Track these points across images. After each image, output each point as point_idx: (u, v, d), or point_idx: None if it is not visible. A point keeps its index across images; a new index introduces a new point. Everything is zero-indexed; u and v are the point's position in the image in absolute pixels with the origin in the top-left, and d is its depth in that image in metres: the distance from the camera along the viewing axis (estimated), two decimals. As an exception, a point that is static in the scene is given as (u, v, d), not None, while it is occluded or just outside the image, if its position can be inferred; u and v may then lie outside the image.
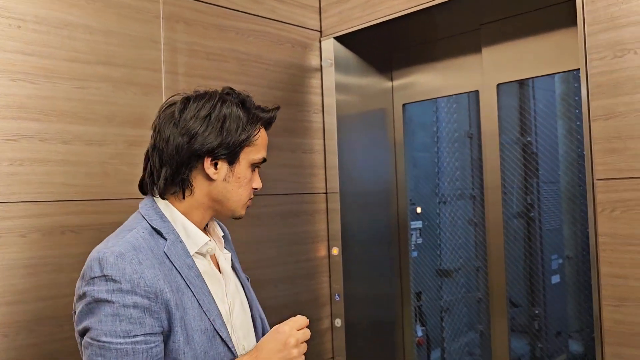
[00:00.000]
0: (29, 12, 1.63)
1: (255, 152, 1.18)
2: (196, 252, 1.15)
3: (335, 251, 2.37)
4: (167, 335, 1.05)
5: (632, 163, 1.58)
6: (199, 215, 1.17)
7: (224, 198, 1.17)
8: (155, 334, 1.02)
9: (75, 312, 1.08)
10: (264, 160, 1.21)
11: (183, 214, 1.15)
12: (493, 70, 2.25)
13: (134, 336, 1.00)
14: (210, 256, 1.20)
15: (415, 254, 2.91)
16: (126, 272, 1.01)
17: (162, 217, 1.13)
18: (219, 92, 1.19)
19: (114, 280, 1.00)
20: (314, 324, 2.32)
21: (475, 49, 2.32)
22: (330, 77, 2.39)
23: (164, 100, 1.89)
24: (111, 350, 0.99)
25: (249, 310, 1.26)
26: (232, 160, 1.15)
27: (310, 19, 2.41)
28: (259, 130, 1.18)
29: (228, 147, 1.13)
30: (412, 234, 2.81)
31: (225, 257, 1.24)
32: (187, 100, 1.16)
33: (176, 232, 1.13)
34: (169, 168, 1.12)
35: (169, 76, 1.93)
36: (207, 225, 1.24)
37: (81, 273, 1.07)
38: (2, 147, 1.56)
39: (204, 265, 1.16)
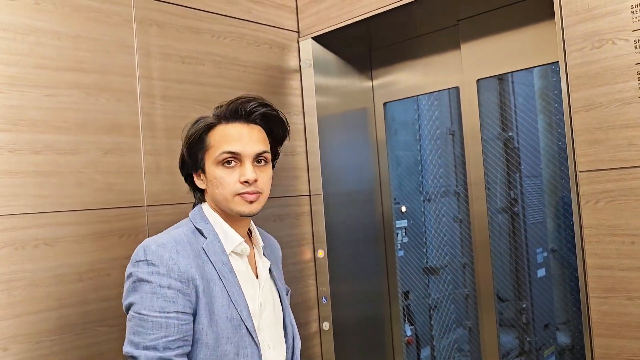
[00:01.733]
0: (-6, 19, 1.57)
1: (214, 151, 1.26)
2: (232, 252, 1.30)
3: (320, 254, 2.34)
4: (193, 316, 1.19)
5: (614, 153, 1.58)
6: (226, 217, 1.31)
7: (216, 200, 1.29)
8: (186, 313, 1.17)
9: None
10: (232, 153, 1.24)
11: (221, 217, 1.31)
12: (472, 66, 2.24)
13: (168, 312, 1.15)
14: (250, 261, 1.35)
15: (401, 253, 2.89)
16: (164, 259, 1.18)
17: (205, 219, 1.30)
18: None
19: (153, 265, 1.17)
20: (302, 329, 2.29)
21: (454, 45, 2.31)
22: (310, 77, 2.36)
23: (139, 106, 1.86)
24: (148, 322, 1.14)
25: (281, 317, 1.39)
26: (200, 168, 1.30)
27: (287, 20, 2.37)
28: (198, 130, 1.28)
29: (190, 159, 1.31)
30: (397, 233, 2.79)
31: (263, 264, 1.37)
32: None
33: (215, 232, 1.29)
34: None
35: (144, 81, 1.88)
36: (250, 233, 1.40)
37: (131, 258, 1.23)
38: (-30, 159, 1.51)
39: (240, 264, 1.31)
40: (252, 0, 2.23)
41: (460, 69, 2.29)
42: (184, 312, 1.17)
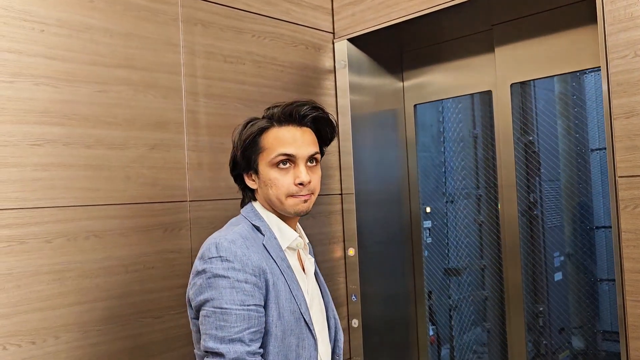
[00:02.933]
0: (51, 16, 1.61)
1: (269, 153, 1.29)
2: (287, 247, 1.33)
3: (351, 252, 2.37)
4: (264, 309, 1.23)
5: (655, 160, 1.61)
6: (280, 215, 1.34)
7: (269, 200, 1.32)
8: (262, 306, 1.21)
9: (189, 292, 1.26)
10: (287, 155, 1.28)
11: (275, 215, 1.34)
12: (506, 70, 2.27)
13: (248, 305, 1.18)
14: (298, 257, 1.38)
15: (425, 253, 2.93)
16: (237, 255, 1.21)
17: (259, 216, 1.33)
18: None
19: (228, 260, 1.20)
20: (331, 325, 2.33)
21: (488, 49, 2.34)
22: (344, 78, 2.39)
23: (184, 102, 1.90)
24: (232, 315, 1.17)
25: (324, 311, 1.42)
26: (253, 169, 1.33)
27: (324, 21, 2.41)
28: (252, 134, 1.30)
29: (244, 159, 1.32)
30: (423, 233, 2.82)
31: (310, 261, 1.42)
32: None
33: (271, 229, 1.32)
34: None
35: (188, 79, 1.92)
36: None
37: (199, 255, 1.25)
38: (27, 152, 1.55)
39: (292, 261, 1.34)
40: (290, 1, 2.27)
41: (494, 73, 2.32)
42: (260, 305, 1.21)
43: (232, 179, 1.40)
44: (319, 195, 1.35)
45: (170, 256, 1.83)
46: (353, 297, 2.38)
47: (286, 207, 1.29)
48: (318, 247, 2.32)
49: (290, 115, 1.30)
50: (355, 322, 2.37)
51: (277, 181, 1.28)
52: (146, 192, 1.79)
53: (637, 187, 1.64)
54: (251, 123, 1.33)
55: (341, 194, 2.42)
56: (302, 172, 1.28)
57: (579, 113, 3.27)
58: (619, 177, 1.67)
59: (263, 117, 1.34)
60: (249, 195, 1.39)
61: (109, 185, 1.71)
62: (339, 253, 2.40)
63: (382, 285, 2.50)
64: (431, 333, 2.91)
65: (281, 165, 1.28)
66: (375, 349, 2.42)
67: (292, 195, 1.28)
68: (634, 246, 1.65)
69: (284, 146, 1.28)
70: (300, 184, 1.28)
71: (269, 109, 1.34)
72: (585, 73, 3.20)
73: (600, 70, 1.72)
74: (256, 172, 1.31)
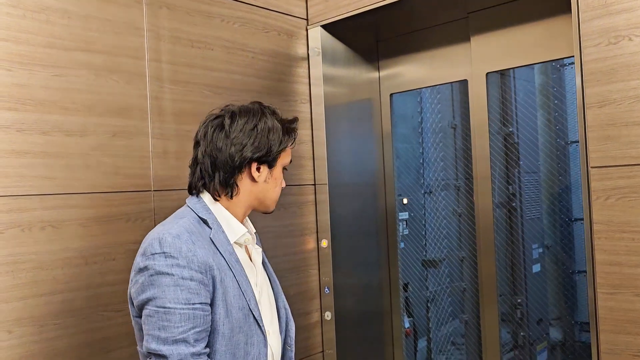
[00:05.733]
0: (3, -5, 1.53)
1: (286, 156, 1.38)
2: (234, 242, 1.31)
3: (324, 243, 2.33)
4: (210, 307, 1.20)
5: (627, 150, 1.58)
6: (239, 211, 1.34)
7: (263, 196, 1.36)
8: (208, 304, 1.18)
9: (131, 289, 1.22)
10: (290, 161, 1.42)
11: (226, 208, 1.32)
12: (482, 59, 2.23)
13: (193, 304, 1.15)
14: (245, 249, 1.37)
15: (401, 245, 2.90)
16: (182, 250, 1.17)
17: (207, 209, 1.30)
18: (258, 107, 1.36)
19: (172, 257, 1.16)
20: (303, 318, 2.29)
21: (464, 37, 2.30)
22: (318, 66, 2.34)
23: (148, 88, 1.84)
24: (176, 315, 1.13)
25: (274, 301, 1.41)
26: (272, 164, 1.35)
27: (297, 7, 2.35)
28: (293, 139, 1.38)
29: (272, 154, 1.32)
30: (398, 225, 2.79)
31: (257, 251, 1.40)
32: (234, 114, 1.33)
33: (218, 222, 1.30)
34: (222, 172, 1.30)
35: (153, 64, 1.85)
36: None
37: (141, 251, 1.21)
38: (-23, 138, 1.47)
39: (240, 254, 1.32)
40: (262, -15, 2.21)
41: (470, 62, 2.28)
42: (205, 303, 1.17)
43: None
44: (291, 185, 1.41)
45: (133, 247, 1.75)
46: (326, 289, 2.34)
47: (272, 204, 1.39)
48: (289, 239, 2.27)
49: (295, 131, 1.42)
50: (328, 315, 2.33)
51: (281, 183, 1.40)
52: (107, 181, 1.73)
53: (610, 178, 1.62)
54: (289, 120, 1.39)
55: (314, 185, 2.37)
56: (283, 179, 1.42)
57: (558, 105, 3.26)
58: (592, 167, 1.65)
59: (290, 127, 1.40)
60: (230, 192, 1.32)
61: (66, 173, 1.64)
62: (311, 245, 2.35)
63: (356, 277, 2.46)
64: (407, 325, 2.89)
65: (285, 170, 1.41)
66: (348, 342, 2.39)
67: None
68: (606, 238, 1.63)
69: (291, 155, 1.42)
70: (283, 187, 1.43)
71: (291, 121, 1.39)
72: (565, 65, 3.19)
73: (575, 59, 1.68)
74: (271, 166, 1.35)
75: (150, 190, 1.82)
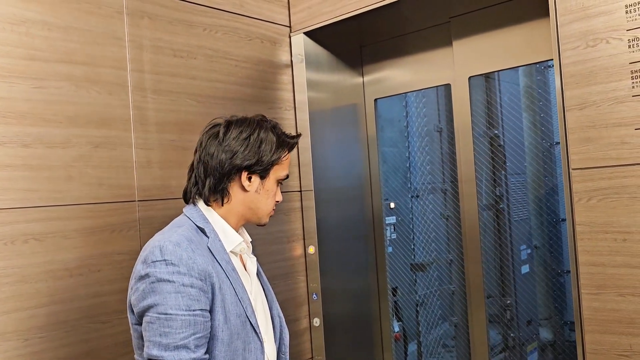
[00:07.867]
0: (-18, 8, 1.53)
1: (281, 170, 1.39)
2: (230, 251, 1.33)
3: (311, 250, 2.33)
4: (210, 313, 1.22)
5: (607, 152, 1.60)
6: (234, 221, 1.36)
7: (255, 207, 1.36)
8: (208, 310, 1.20)
9: (131, 297, 1.23)
10: (287, 176, 1.42)
11: (222, 217, 1.34)
12: (464, 63, 2.25)
13: (194, 310, 1.17)
14: (240, 259, 1.39)
15: (389, 249, 2.90)
16: (183, 258, 1.19)
17: (204, 218, 1.32)
18: (256, 118, 1.38)
19: (173, 264, 1.18)
20: (292, 325, 2.28)
21: (446, 42, 2.32)
22: (302, 73, 2.34)
23: (130, 99, 1.83)
24: (177, 321, 1.15)
25: (268, 310, 1.42)
26: (263, 175, 1.35)
27: (279, 14, 2.35)
28: (286, 152, 1.39)
29: (262, 164, 1.33)
30: (386, 229, 2.80)
31: (252, 261, 1.42)
32: (230, 123, 1.36)
33: (215, 231, 1.32)
34: (213, 178, 1.32)
35: (135, 74, 1.84)
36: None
37: (142, 259, 1.22)
38: (-43, 152, 1.46)
39: (235, 263, 1.34)
40: (244, -7, 2.21)
41: (452, 66, 2.29)
42: (205, 310, 1.19)
43: (183, 178, 1.38)
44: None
45: (118, 258, 1.76)
46: (314, 295, 2.34)
47: (264, 216, 1.39)
48: (277, 246, 2.27)
49: (293, 147, 1.43)
50: (316, 321, 2.33)
51: (274, 195, 1.39)
52: (91, 193, 1.72)
53: (591, 179, 1.63)
54: (288, 135, 1.40)
55: (300, 191, 2.37)
56: (280, 193, 1.42)
57: (543, 106, 3.29)
58: (573, 169, 1.66)
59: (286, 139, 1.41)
60: (221, 199, 1.34)
61: (49, 185, 1.63)
62: (299, 251, 2.35)
63: (344, 283, 2.46)
64: (397, 329, 2.89)
65: (280, 184, 1.41)
66: (337, 347, 2.38)
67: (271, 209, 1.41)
68: (589, 239, 1.64)
69: (287, 169, 1.42)
70: (277, 201, 1.42)
71: (292, 137, 1.41)
72: (550, 67, 3.22)
73: (555, 62, 1.70)
74: (263, 177, 1.35)
75: (134, 201, 1.81)
